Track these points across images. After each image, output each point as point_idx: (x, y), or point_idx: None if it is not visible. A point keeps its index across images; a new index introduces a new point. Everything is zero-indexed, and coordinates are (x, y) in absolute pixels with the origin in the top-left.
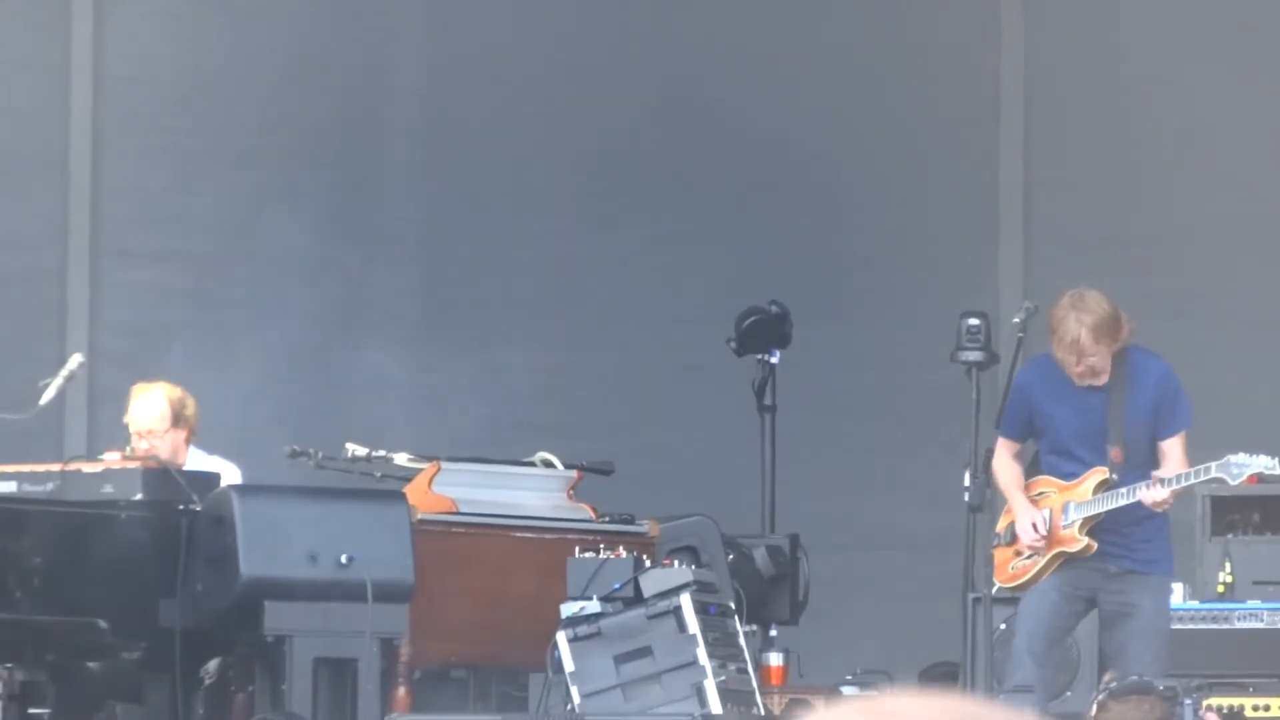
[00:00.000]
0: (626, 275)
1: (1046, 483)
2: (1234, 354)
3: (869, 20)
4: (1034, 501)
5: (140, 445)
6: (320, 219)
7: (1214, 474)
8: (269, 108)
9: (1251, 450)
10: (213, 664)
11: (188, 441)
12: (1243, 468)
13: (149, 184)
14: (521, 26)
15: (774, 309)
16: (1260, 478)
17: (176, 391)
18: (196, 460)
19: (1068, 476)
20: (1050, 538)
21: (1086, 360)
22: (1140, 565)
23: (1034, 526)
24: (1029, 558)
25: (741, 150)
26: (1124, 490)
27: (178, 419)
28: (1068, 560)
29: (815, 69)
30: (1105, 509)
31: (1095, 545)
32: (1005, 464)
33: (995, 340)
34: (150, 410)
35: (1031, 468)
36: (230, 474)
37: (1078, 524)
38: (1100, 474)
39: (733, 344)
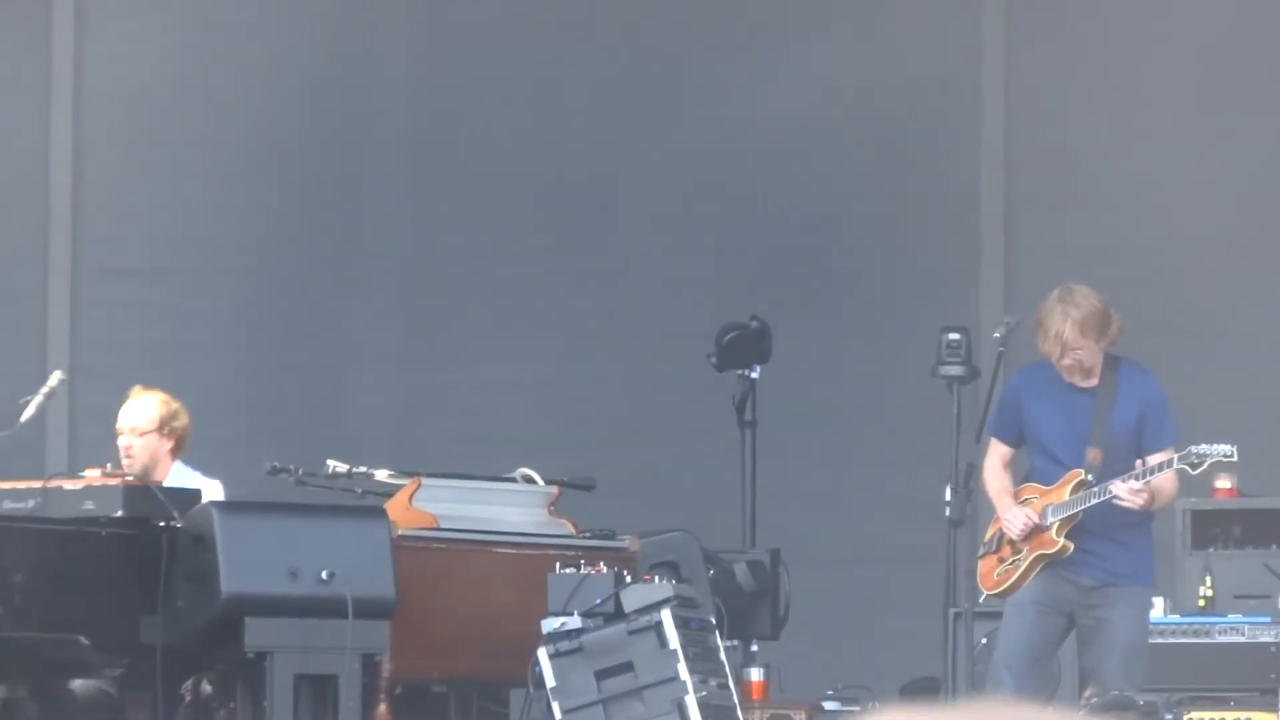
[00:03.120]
0: (608, 291)
1: (1031, 489)
2: (1215, 367)
3: (852, 37)
4: None
5: (120, 442)
6: (303, 236)
7: (1177, 465)
8: (251, 126)
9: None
10: (203, 681)
11: (173, 454)
12: (1203, 456)
13: (129, 202)
14: (506, 45)
15: (754, 324)
16: (1238, 491)
17: (173, 404)
18: (181, 476)
19: (1050, 480)
20: (1031, 540)
21: (1072, 354)
22: (1113, 578)
23: (1025, 517)
24: (1011, 563)
25: (723, 166)
26: (1097, 489)
27: (164, 425)
28: (1045, 568)
29: (796, 84)
30: (1081, 509)
31: (1072, 546)
32: (995, 472)
33: (976, 355)
34: (139, 411)
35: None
36: (214, 492)
37: (1055, 526)
38: (1077, 476)
39: (713, 359)
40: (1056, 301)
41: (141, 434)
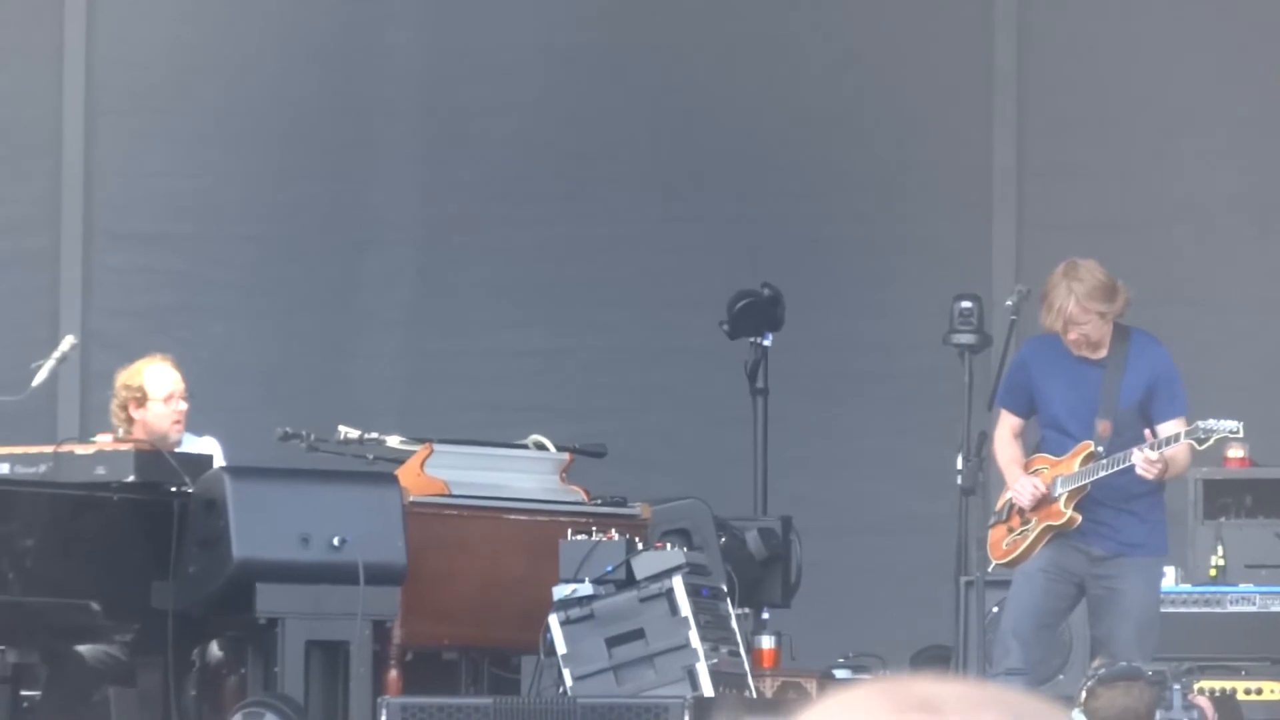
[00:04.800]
0: (620, 258)
1: (1041, 460)
2: (1226, 336)
3: (862, 2)
4: None
5: (176, 408)
6: (315, 202)
7: (1184, 440)
8: (263, 91)
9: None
10: (214, 646)
11: None
12: (1210, 431)
13: (142, 167)
14: (517, 13)
15: (766, 292)
16: (1250, 461)
17: None
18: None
19: (1060, 451)
20: (1039, 511)
21: (1078, 328)
22: (1125, 548)
23: (1034, 487)
24: (1020, 533)
25: (734, 134)
26: (1106, 461)
27: None
28: (1055, 538)
29: (808, 52)
30: (1090, 480)
31: (1079, 518)
32: (1005, 442)
33: (988, 323)
34: (172, 373)
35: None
36: (209, 449)
37: (1064, 497)
38: (1087, 448)
39: (725, 327)
40: (1061, 276)
41: (186, 397)
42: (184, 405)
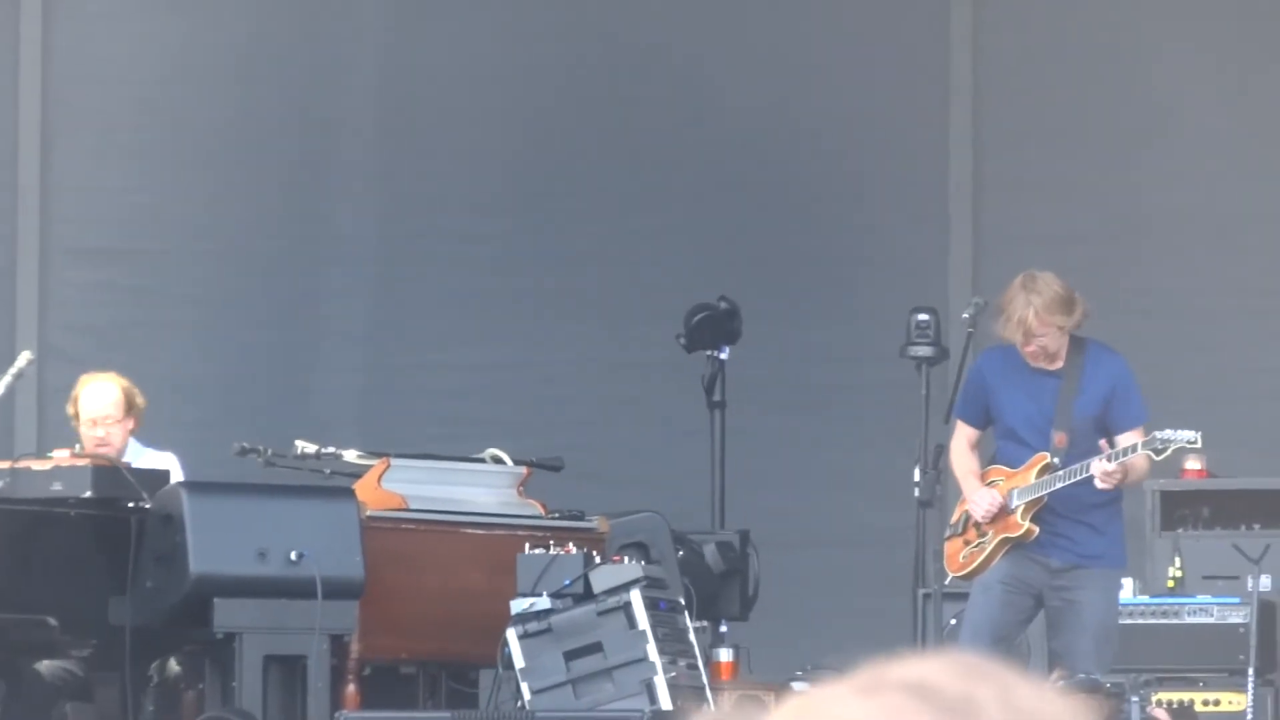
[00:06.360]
0: (578, 272)
1: (997, 471)
2: (1183, 349)
3: (818, 17)
4: None
5: (95, 434)
6: (273, 218)
7: (1142, 450)
8: (221, 107)
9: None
10: (172, 662)
11: (131, 433)
12: (1167, 442)
13: (98, 183)
14: (476, 27)
15: (723, 305)
16: (1207, 473)
17: (125, 381)
18: (132, 452)
19: (1016, 462)
20: (996, 523)
21: (1035, 340)
22: (1083, 560)
23: (990, 500)
24: (976, 545)
25: (691, 147)
26: (1062, 473)
27: (129, 407)
28: (1012, 550)
29: (764, 66)
30: (1046, 492)
31: (1036, 530)
32: (962, 453)
33: (945, 335)
34: (106, 397)
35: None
36: (168, 465)
37: (1020, 509)
38: (1043, 459)
39: (682, 340)
40: (1019, 288)
41: (116, 421)
42: (113, 430)
